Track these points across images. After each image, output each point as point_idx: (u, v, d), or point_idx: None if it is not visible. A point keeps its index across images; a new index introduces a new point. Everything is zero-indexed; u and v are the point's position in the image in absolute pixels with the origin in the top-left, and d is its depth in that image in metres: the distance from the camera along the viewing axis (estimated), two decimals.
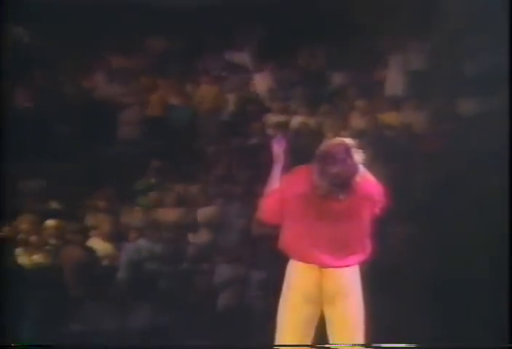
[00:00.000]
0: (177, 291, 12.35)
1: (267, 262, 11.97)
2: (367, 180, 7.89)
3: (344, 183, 7.66)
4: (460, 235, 12.12)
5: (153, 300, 12.22)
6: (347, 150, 7.69)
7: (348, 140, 7.81)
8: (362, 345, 7.86)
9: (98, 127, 14.45)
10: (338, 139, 7.92)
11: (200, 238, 13.10)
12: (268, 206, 8.06)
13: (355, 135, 13.84)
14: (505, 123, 12.70)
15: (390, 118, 14.35)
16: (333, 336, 8.07)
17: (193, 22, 15.44)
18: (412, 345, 8.38)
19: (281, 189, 7.97)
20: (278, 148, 8.33)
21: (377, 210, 7.99)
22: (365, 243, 8.03)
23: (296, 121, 14.52)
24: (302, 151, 13.56)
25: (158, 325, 11.96)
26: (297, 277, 8.03)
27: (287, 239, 7.93)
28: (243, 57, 15.55)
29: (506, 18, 12.73)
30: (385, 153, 13.24)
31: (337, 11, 14.97)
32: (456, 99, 14.13)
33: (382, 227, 8.26)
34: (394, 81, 14.82)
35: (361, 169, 7.77)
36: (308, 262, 7.93)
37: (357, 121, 14.20)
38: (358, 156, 7.69)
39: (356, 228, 8.00)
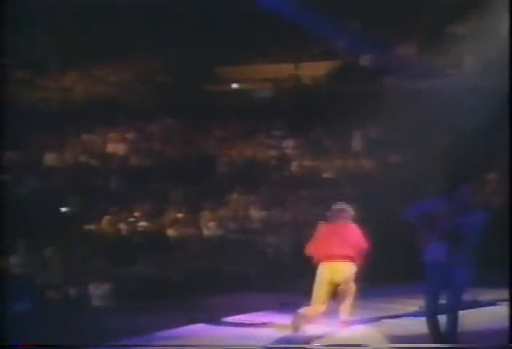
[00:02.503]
0: (242, 251, 11.92)
1: (292, 235, 11.92)
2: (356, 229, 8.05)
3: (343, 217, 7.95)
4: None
5: (227, 255, 11.79)
6: (345, 210, 8.00)
7: (346, 205, 8.12)
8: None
9: (205, 167, 14.37)
10: (340, 204, 8.12)
11: (254, 224, 12.84)
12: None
13: (336, 172, 14.01)
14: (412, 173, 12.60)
15: (354, 163, 14.06)
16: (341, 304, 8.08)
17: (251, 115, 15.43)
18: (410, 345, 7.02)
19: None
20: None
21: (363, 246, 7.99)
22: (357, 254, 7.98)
23: (305, 164, 14.31)
24: (308, 180, 13.71)
25: (234, 269, 11.38)
26: (322, 272, 7.96)
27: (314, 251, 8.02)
28: (277, 133, 15.32)
29: None
30: (351, 180, 13.13)
31: (325, 106, 14.75)
32: (388, 154, 13.85)
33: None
34: (356, 144, 14.50)
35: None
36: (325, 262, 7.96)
37: (337, 165, 14.06)
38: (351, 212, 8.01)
39: (350, 250, 7.96)
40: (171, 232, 12.73)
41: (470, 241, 6.58)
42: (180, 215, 13.13)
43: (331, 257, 7.96)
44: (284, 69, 16.25)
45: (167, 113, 15.70)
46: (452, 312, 6.66)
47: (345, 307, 8.15)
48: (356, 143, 14.59)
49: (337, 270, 7.97)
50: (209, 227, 12.80)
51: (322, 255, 7.99)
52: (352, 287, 8.12)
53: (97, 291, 10.53)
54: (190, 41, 15.70)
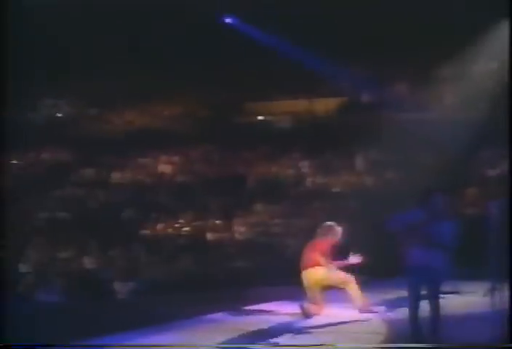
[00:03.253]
0: (266, 251, 11.76)
1: (307, 238, 11.66)
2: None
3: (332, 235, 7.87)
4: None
5: (254, 255, 11.63)
6: (332, 227, 7.95)
7: (332, 223, 8.01)
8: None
9: (237, 183, 14.20)
10: (328, 223, 8.04)
11: (276, 229, 12.65)
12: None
13: (342, 187, 13.75)
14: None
15: (357, 179, 13.87)
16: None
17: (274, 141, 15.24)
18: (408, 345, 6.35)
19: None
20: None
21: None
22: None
23: (318, 180, 14.11)
24: (320, 193, 13.47)
25: (259, 266, 11.13)
26: (304, 278, 7.95)
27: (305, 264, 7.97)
28: (295, 155, 15.11)
29: None
30: (354, 193, 12.96)
31: (333, 134, 14.60)
32: (384, 172, 13.63)
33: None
34: (359, 164, 14.32)
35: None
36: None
37: (343, 181, 13.88)
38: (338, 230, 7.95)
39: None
40: (209, 235, 12.69)
41: (445, 246, 6.31)
42: (217, 222, 13.05)
43: (314, 266, 7.89)
44: (300, 104, 16.17)
45: (206, 140, 15.69)
46: (433, 304, 6.45)
47: (354, 298, 7.92)
48: (359, 164, 14.44)
49: (315, 274, 7.86)
50: (240, 232, 12.73)
51: (309, 266, 7.93)
52: (348, 282, 7.89)
53: (148, 284, 10.45)
54: (225, 83, 15.72)
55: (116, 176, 15.16)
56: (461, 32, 12.70)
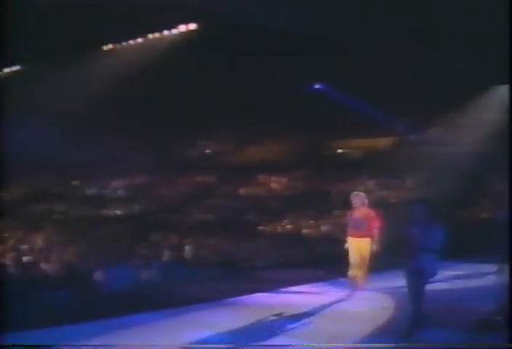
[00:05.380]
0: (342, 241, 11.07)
1: None
2: (369, 209, 6.99)
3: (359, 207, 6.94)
4: None
5: (332, 243, 10.02)
6: (361, 196, 7.10)
7: (361, 193, 7.19)
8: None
9: (323, 196, 14.23)
10: (356, 192, 7.17)
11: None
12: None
13: (397, 198, 13.45)
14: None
15: (407, 193, 13.60)
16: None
17: (348, 167, 15.38)
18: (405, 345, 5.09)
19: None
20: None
21: (377, 222, 6.93)
22: (375, 231, 6.91)
23: (381, 193, 13.71)
24: (381, 201, 12.73)
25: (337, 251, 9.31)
26: (350, 242, 7.14)
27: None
28: (363, 177, 15.03)
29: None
30: (404, 202, 12.54)
31: (387, 161, 14.32)
32: (426, 188, 13.30)
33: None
34: (408, 183, 14.21)
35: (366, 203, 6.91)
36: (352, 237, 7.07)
37: (399, 195, 13.68)
38: (364, 198, 7.06)
39: (369, 228, 6.91)
40: (304, 230, 12.97)
41: (432, 249, 5.42)
42: (309, 221, 13.09)
43: (353, 235, 6.97)
44: (367, 142, 16.33)
45: (303, 166, 16.07)
46: (417, 298, 5.56)
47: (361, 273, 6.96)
48: (408, 182, 14.28)
49: (358, 243, 6.91)
50: (325, 229, 12.94)
51: (349, 234, 7.03)
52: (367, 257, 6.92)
53: (264, 262, 10.59)
54: (317, 128, 16.14)
55: (242, 191, 15.79)
56: (472, 94, 13.20)
